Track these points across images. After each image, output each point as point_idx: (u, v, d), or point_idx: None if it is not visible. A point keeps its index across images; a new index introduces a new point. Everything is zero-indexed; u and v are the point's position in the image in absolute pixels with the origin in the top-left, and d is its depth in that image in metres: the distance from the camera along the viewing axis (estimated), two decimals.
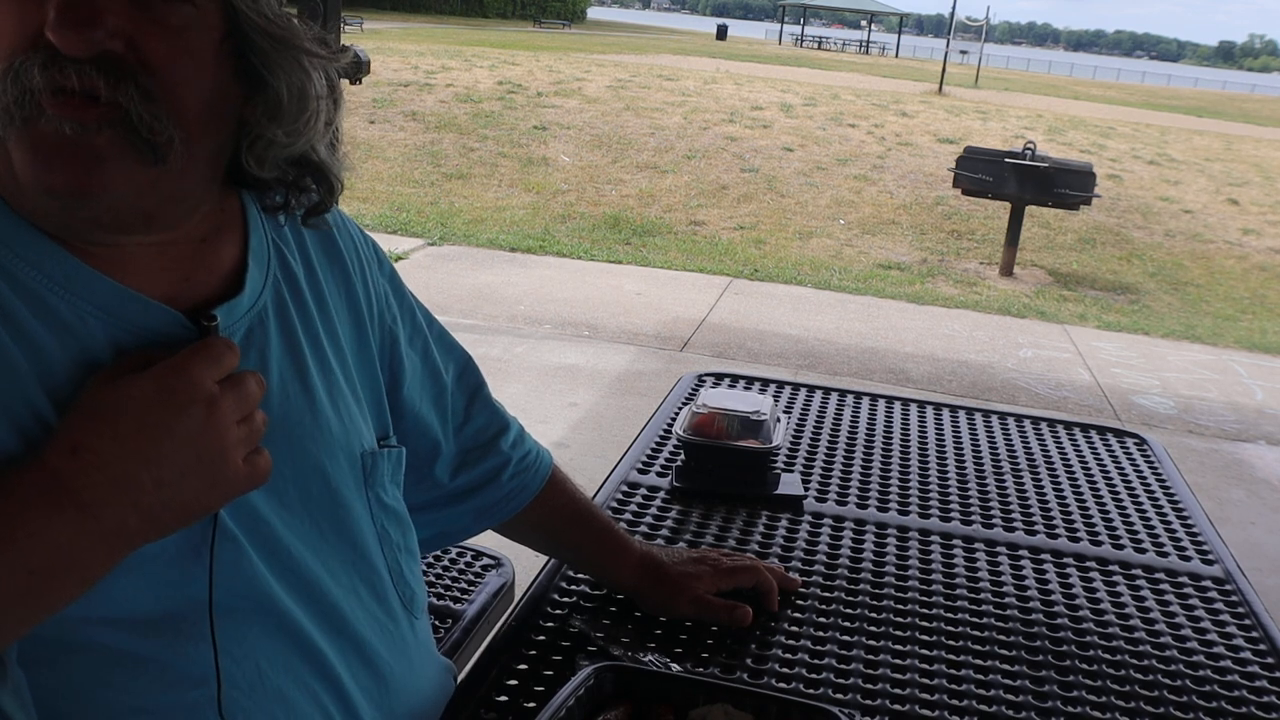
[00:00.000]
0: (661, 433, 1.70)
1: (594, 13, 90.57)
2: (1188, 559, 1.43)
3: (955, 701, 1.06)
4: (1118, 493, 1.63)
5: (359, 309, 0.95)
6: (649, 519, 1.40)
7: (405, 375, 1.02)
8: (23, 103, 0.67)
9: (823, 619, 1.19)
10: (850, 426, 1.82)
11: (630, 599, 1.19)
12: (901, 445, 1.75)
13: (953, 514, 1.50)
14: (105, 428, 0.68)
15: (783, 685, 1.06)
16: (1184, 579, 1.37)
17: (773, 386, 1.98)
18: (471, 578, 1.65)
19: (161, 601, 0.74)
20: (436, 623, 1.51)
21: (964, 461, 1.70)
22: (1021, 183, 7.60)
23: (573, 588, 1.21)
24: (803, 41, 58.04)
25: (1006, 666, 1.13)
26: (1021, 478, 1.65)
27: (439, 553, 1.71)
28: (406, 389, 1.02)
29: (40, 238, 0.72)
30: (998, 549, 1.40)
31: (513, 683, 1.03)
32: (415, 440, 1.05)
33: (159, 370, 0.70)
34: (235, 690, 0.78)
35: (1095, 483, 1.66)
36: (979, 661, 1.13)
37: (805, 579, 1.27)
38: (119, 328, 0.74)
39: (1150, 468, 1.75)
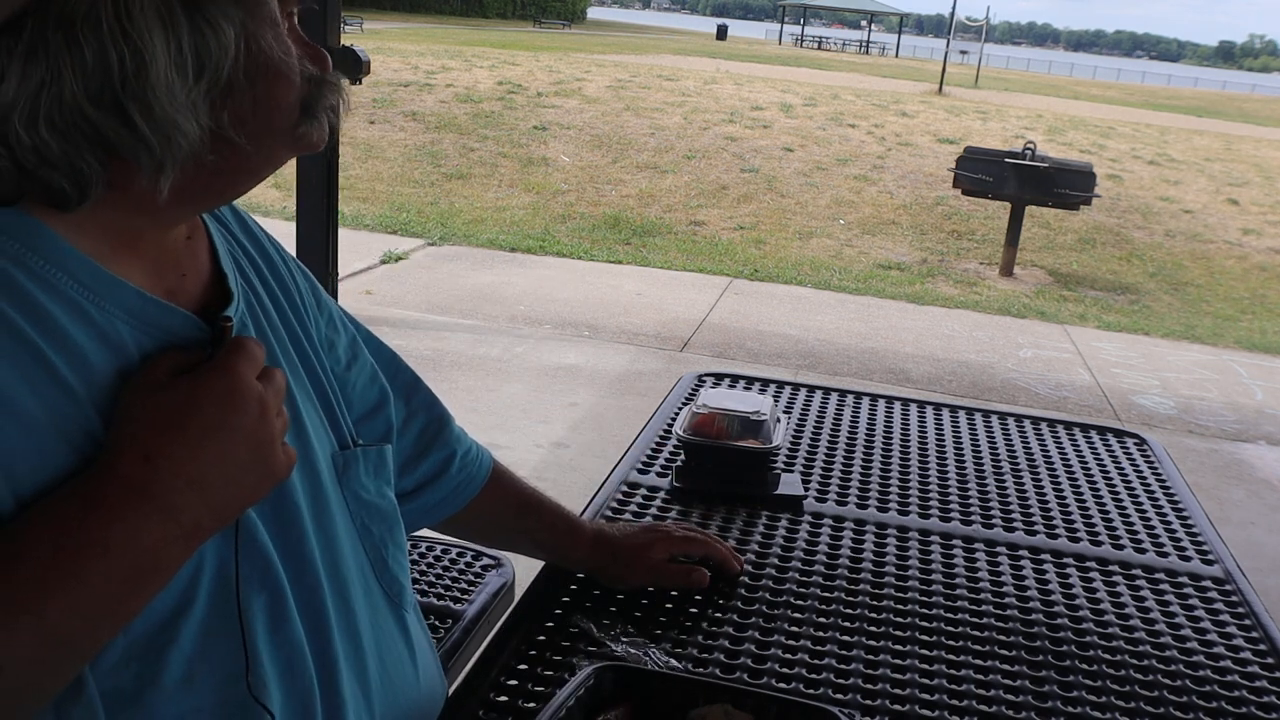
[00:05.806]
0: (661, 433, 1.70)
1: (594, 13, 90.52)
2: (1188, 559, 1.43)
3: (955, 701, 1.06)
4: (1118, 493, 1.63)
5: (305, 324, 0.97)
6: (649, 519, 1.40)
7: (349, 388, 1.04)
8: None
9: (823, 619, 1.19)
10: (850, 426, 1.82)
11: (588, 575, 1.23)
12: (901, 445, 1.75)
13: (953, 514, 1.50)
14: (175, 433, 0.70)
15: (783, 685, 1.06)
16: (1184, 579, 1.37)
17: (773, 386, 1.98)
18: (471, 578, 1.65)
19: (199, 590, 0.75)
20: (436, 622, 1.51)
21: (964, 461, 1.69)
22: (1021, 183, 7.60)
23: (572, 588, 1.21)
24: (803, 42, 58.06)
25: (1006, 666, 1.13)
26: (1021, 478, 1.65)
27: (439, 553, 1.71)
28: (354, 400, 1.04)
29: (64, 244, 0.71)
30: (998, 549, 1.40)
31: (512, 683, 1.03)
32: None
33: (210, 371, 0.72)
34: (267, 679, 0.78)
35: (1095, 483, 1.66)
36: (979, 661, 1.13)
37: (805, 579, 1.27)
38: (144, 331, 0.74)
39: (1150, 468, 1.75)
